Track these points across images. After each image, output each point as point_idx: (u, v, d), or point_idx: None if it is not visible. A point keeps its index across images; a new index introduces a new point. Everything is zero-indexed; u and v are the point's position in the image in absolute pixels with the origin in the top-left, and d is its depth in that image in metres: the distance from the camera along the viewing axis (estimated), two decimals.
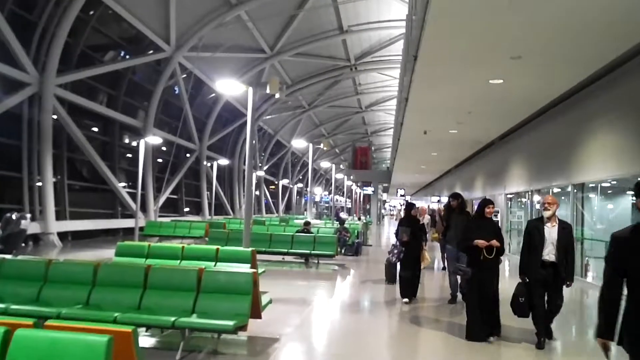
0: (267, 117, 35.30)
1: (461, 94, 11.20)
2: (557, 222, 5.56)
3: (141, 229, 17.47)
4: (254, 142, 34.14)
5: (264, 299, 5.74)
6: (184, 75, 24.62)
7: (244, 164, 35.54)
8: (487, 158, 20.10)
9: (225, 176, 34.19)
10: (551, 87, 10.21)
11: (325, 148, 14.82)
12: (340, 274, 11.80)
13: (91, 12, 17.45)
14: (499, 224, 18.39)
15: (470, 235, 5.82)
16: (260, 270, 7.82)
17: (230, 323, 4.69)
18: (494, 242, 5.71)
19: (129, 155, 22.52)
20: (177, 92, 24.64)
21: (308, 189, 15.59)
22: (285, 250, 12.23)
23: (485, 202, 6.10)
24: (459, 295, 7.95)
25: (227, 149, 33.91)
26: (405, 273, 8.08)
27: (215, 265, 7.18)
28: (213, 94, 27.82)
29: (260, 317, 5.33)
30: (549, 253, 5.45)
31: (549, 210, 5.51)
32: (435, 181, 39.77)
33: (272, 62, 26.91)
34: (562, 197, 14.25)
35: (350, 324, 6.98)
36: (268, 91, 7.27)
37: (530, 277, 5.54)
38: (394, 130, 25.54)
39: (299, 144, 17.31)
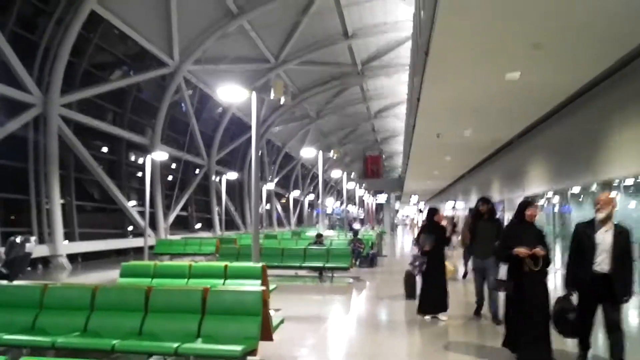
0: (275, 128, 35.02)
1: (475, 92, 10.68)
2: (613, 225, 4.75)
3: (152, 247, 17.10)
4: (260, 153, 33.58)
5: (276, 319, 5.26)
6: (190, 92, 24.44)
7: None
8: (503, 160, 19.47)
9: (235, 191, 33.87)
10: (574, 77, 9.62)
11: (335, 156, 14.39)
12: (355, 287, 11.25)
13: (93, 31, 17.33)
14: None
15: (509, 242, 5.03)
16: (271, 287, 7.34)
17: (238, 348, 4.21)
18: (538, 251, 4.92)
19: (139, 174, 22.27)
20: (184, 109, 24.44)
21: (319, 201, 15.11)
22: (298, 264, 11.73)
23: (526, 204, 5.31)
24: (485, 307, 7.36)
25: (237, 163, 33.64)
26: (427, 286, 7.40)
27: (224, 283, 6.72)
28: (220, 109, 27.64)
29: (271, 339, 4.85)
30: (602, 263, 4.64)
31: (603, 211, 4.70)
32: (449, 187, 39.03)
33: (278, 72, 26.61)
34: (580, 198, 13.64)
35: (370, 344, 6.40)
36: (272, 96, 6.84)
37: (579, 291, 4.81)
38: (405, 135, 25.04)
39: (308, 152, 16.89)
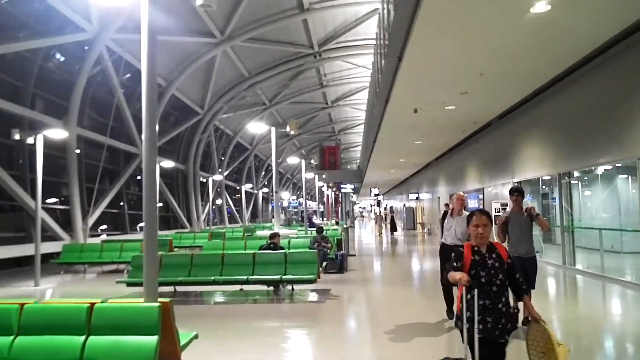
0: (224, 115, 31.44)
1: (482, 40, 7.89)
2: None
3: (57, 254, 13.44)
4: (207, 141, 29.53)
5: None
6: (128, 75, 20.52)
7: (200, 168, 31.57)
8: (483, 142, 16.99)
9: (178, 184, 30.05)
10: (622, 14, 6.98)
11: (292, 132, 11.46)
12: (327, 309, 8.05)
13: None
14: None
15: None
16: (187, 338, 4.18)
17: None
18: None
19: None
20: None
21: (274, 191, 11.95)
22: (245, 277, 8.47)
23: None
24: None
25: (179, 153, 29.82)
26: None
27: (84, 345, 3.46)
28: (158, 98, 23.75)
29: None
30: None
31: None
32: (412, 177, 36.94)
33: (224, 49, 23.18)
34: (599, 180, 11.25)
35: None
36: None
37: None
38: (370, 119, 22.29)
39: (257, 128, 13.70)
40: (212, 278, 8.35)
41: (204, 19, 20.35)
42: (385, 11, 12.52)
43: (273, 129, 11.17)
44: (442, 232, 6.69)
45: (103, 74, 18.55)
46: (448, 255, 6.18)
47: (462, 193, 6.71)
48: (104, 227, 21.91)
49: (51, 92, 17.37)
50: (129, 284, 8.74)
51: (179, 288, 9.25)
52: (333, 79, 32.88)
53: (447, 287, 6.42)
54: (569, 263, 11.30)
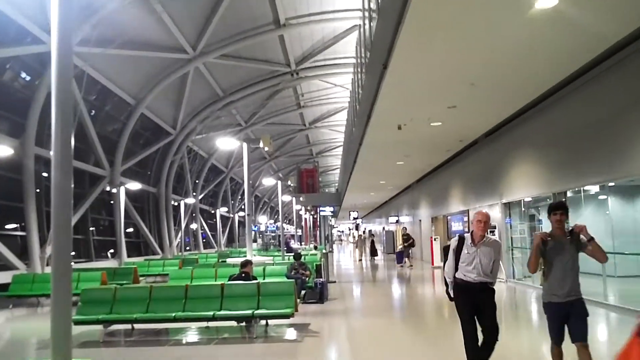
0: (198, 136, 30.33)
1: (478, 42, 7.13)
2: None
3: (5, 286, 12.02)
4: (180, 163, 28.36)
5: None
6: (94, 95, 19.34)
7: (173, 191, 30.21)
8: (469, 160, 16.34)
9: (150, 208, 28.59)
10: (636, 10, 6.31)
11: (266, 148, 10.54)
12: (306, 348, 6.91)
13: None
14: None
15: None
16: None
17: None
18: None
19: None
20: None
21: (246, 212, 10.90)
22: (211, 313, 7.32)
23: None
24: None
25: (151, 175, 28.46)
26: None
27: None
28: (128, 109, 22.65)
29: None
30: None
31: None
32: (392, 200, 36.29)
33: (197, 65, 22.26)
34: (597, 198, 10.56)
35: None
36: None
37: None
38: (351, 137, 21.50)
39: (226, 143, 12.69)
40: (173, 315, 7.18)
41: (174, 33, 19.45)
42: (367, 26, 11.79)
43: (245, 145, 10.20)
44: (453, 265, 4.87)
45: None
46: (471, 301, 4.65)
47: (485, 211, 4.79)
48: (72, 253, 20.40)
49: (7, 109, 16.06)
50: (77, 323, 7.48)
51: (137, 325, 8.05)
52: (311, 98, 32.21)
53: (473, 340, 4.66)
54: None
